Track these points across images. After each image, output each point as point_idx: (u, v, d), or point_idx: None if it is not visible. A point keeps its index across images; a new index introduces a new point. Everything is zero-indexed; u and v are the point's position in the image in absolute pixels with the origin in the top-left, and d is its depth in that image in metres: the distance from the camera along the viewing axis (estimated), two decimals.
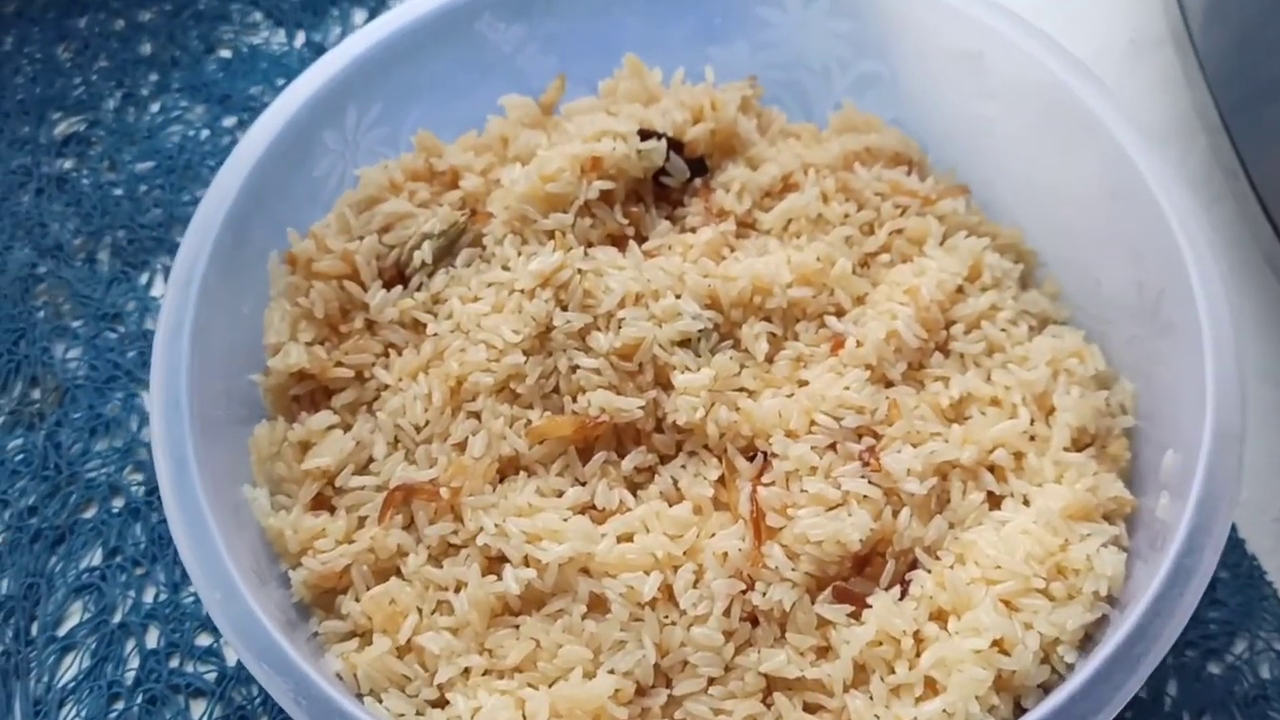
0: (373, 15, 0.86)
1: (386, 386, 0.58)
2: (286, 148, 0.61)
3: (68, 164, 0.80)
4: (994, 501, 0.55)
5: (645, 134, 0.61)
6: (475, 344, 0.57)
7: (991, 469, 0.56)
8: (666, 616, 0.51)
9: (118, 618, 0.63)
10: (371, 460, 0.57)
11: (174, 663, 0.62)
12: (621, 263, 0.59)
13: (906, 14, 0.67)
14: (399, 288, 0.60)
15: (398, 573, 0.54)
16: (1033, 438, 0.56)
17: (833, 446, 0.54)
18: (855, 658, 0.50)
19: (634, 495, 0.55)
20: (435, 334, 0.58)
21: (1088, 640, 0.51)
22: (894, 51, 0.68)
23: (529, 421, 0.56)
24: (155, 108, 0.82)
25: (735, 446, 0.55)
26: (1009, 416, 0.56)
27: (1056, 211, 0.64)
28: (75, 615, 0.63)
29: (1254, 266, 0.72)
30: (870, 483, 0.53)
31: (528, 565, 0.52)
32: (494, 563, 0.54)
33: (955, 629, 0.50)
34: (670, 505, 0.54)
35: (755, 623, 0.52)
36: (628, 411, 0.55)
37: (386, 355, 0.59)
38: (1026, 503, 0.55)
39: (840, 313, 0.59)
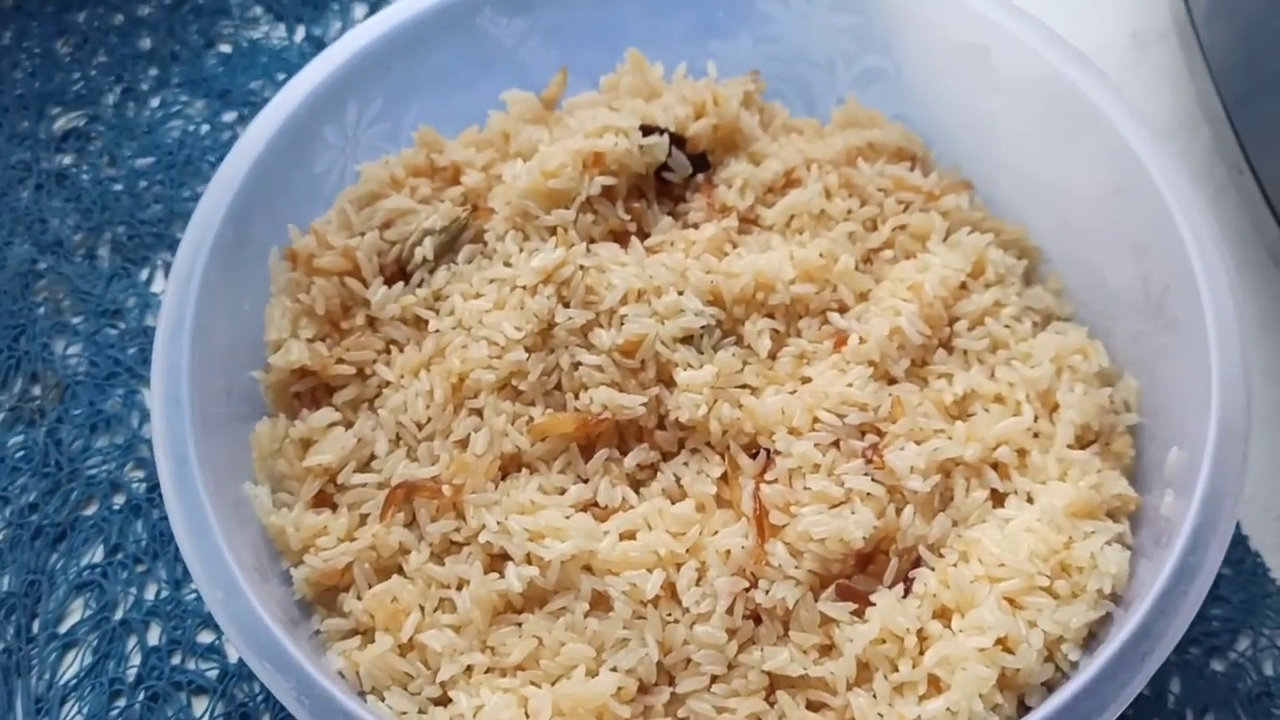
0: (373, 10, 0.85)
1: (388, 383, 0.58)
2: (287, 143, 0.61)
3: (67, 159, 0.79)
4: (997, 499, 0.55)
5: (647, 129, 0.61)
6: (477, 341, 0.56)
7: (995, 466, 0.55)
8: (669, 614, 0.51)
9: (119, 615, 0.63)
10: (373, 457, 0.56)
11: (176, 660, 0.62)
12: (624, 259, 0.58)
13: (910, 8, 0.67)
14: (400, 284, 0.60)
15: (400, 570, 0.54)
16: (1036, 435, 0.56)
17: (836, 444, 0.54)
18: (858, 656, 0.50)
19: (636, 493, 0.55)
20: (437, 331, 0.58)
21: (1092, 638, 0.51)
22: (897, 46, 0.68)
23: (531, 419, 0.56)
24: (155, 103, 0.82)
25: (738, 444, 0.55)
26: (1013, 414, 0.56)
27: (1060, 207, 0.64)
28: (77, 612, 0.63)
29: (1257, 261, 0.72)
30: (873, 480, 0.53)
31: (530, 563, 0.52)
32: (496, 560, 0.54)
33: (959, 627, 0.50)
34: (673, 503, 0.54)
35: (758, 620, 0.52)
36: (630, 408, 0.55)
37: (388, 352, 0.59)
38: (1030, 500, 0.54)
39: (843, 309, 0.59)
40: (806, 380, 0.57)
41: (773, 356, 0.58)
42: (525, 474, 0.55)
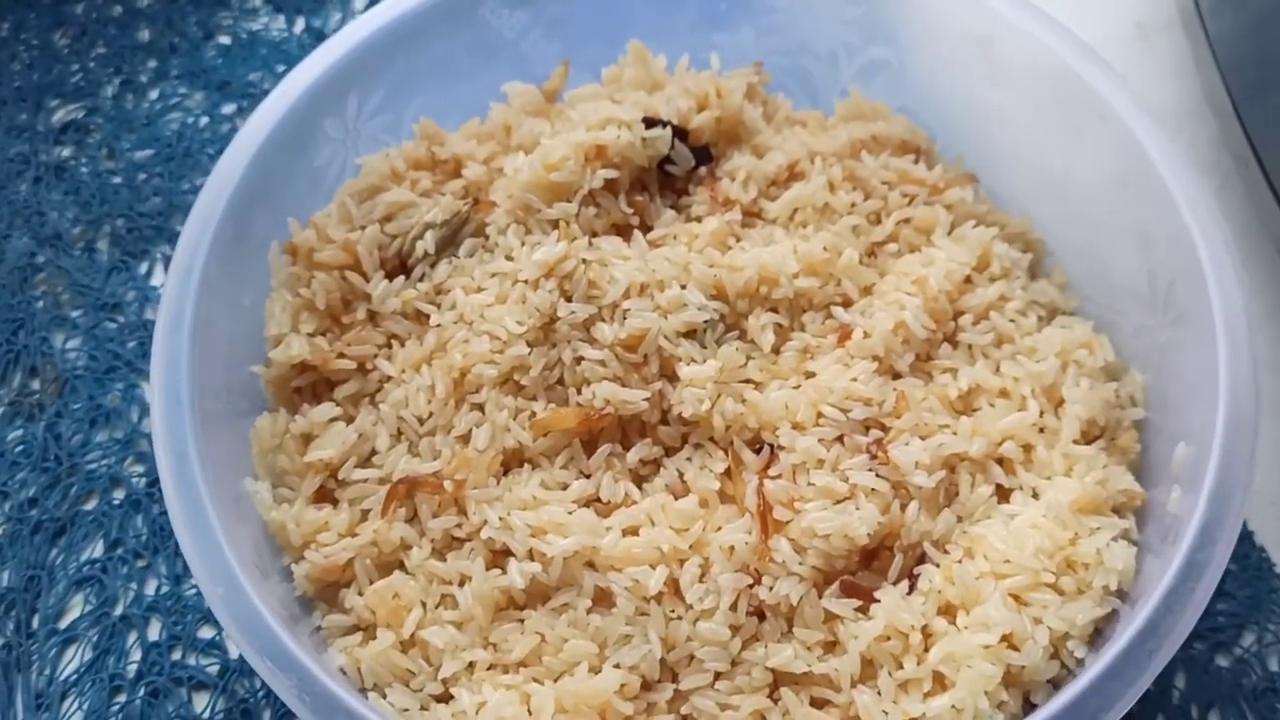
0: (373, 1, 0.85)
1: (389, 378, 0.57)
2: (287, 136, 0.61)
3: (66, 152, 0.79)
4: (1003, 494, 0.55)
5: (650, 122, 0.61)
6: (479, 335, 0.56)
7: (1000, 462, 0.55)
8: (672, 611, 0.51)
9: (119, 610, 0.63)
10: (374, 453, 0.56)
11: (176, 655, 0.61)
12: (626, 253, 0.58)
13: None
14: (401, 278, 0.59)
15: (401, 566, 0.54)
16: (1042, 430, 0.56)
17: (840, 439, 0.54)
18: (863, 653, 0.50)
19: (639, 488, 0.55)
20: (438, 325, 0.57)
21: (1098, 635, 0.51)
22: (902, 37, 0.67)
23: (533, 413, 0.55)
24: (154, 95, 0.81)
25: (741, 439, 0.55)
26: (1018, 409, 0.56)
27: (1066, 199, 0.64)
28: (76, 608, 0.63)
29: (1264, 254, 0.72)
30: (878, 476, 0.53)
31: (532, 559, 0.52)
32: (498, 556, 0.53)
33: (964, 624, 0.50)
34: (676, 498, 0.54)
35: (762, 617, 0.51)
36: (633, 403, 0.55)
37: (389, 346, 0.59)
38: (1035, 496, 0.54)
39: (847, 303, 0.59)
40: (810, 375, 0.56)
41: (776, 351, 0.57)
42: (527, 469, 0.55)
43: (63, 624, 0.63)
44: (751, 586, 0.51)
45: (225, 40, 0.84)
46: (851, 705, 0.50)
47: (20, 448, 0.68)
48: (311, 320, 0.59)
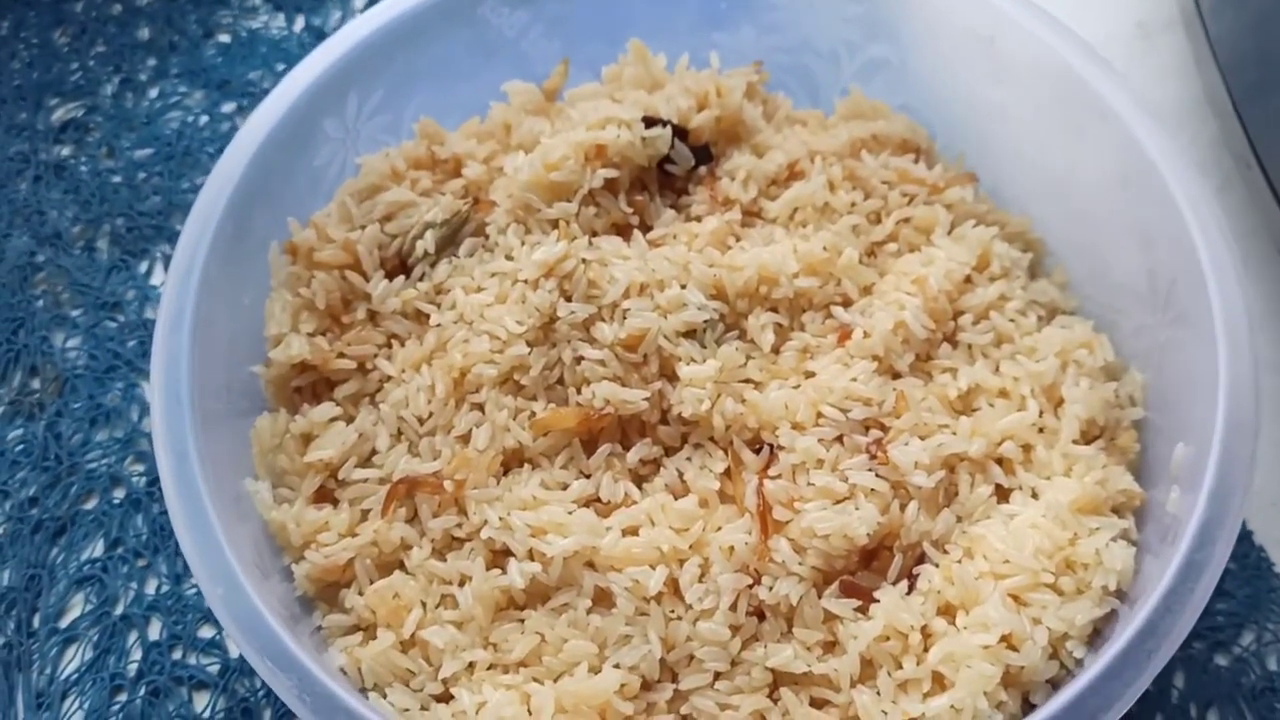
0: (373, 0, 0.85)
1: (389, 378, 0.57)
2: (287, 136, 0.61)
3: (65, 151, 0.79)
4: (1002, 494, 0.55)
5: (650, 121, 0.61)
6: (479, 335, 0.56)
7: (1000, 461, 0.55)
8: (672, 611, 0.51)
9: (120, 609, 0.63)
10: (374, 452, 0.56)
11: (177, 655, 0.62)
12: (626, 252, 0.58)
13: None
14: (401, 278, 0.59)
15: (401, 566, 0.54)
16: (1041, 430, 0.56)
17: (840, 439, 0.54)
18: (862, 653, 0.50)
19: (639, 488, 0.55)
20: (438, 325, 0.57)
21: (1097, 635, 0.51)
22: (903, 36, 0.67)
23: (533, 413, 0.55)
24: (154, 93, 0.81)
25: (741, 439, 0.55)
26: (1017, 408, 0.56)
27: (1067, 198, 0.64)
28: (77, 607, 0.63)
29: (1264, 254, 0.72)
30: (877, 476, 0.53)
31: (532, 559, 0.52)
32: (498, 556, 0.53)
33: (963, 624, 0.50)
34: (676, 498, 0.54)
35: (762, 617, 0.51)
36: (632, 403, 0.55)
37: (389, 346, 0.59)
38: (1035, 496, 0.54)
39: (847, 303, 0.59)
40: (810, 375, 0.56)
41: (776, 351, 0.57)
42: (527, 469, 0.55)
43: (63, 623, 0.63)
44: (751, 586, 0.51)
45: (225, 39, 0.84)
46: (851, 705, 0.50)
47: (20, 447, 0.68)
48: (311, 320, 0.59)
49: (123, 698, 0.61)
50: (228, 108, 0.80)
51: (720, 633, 0.50)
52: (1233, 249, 0.54)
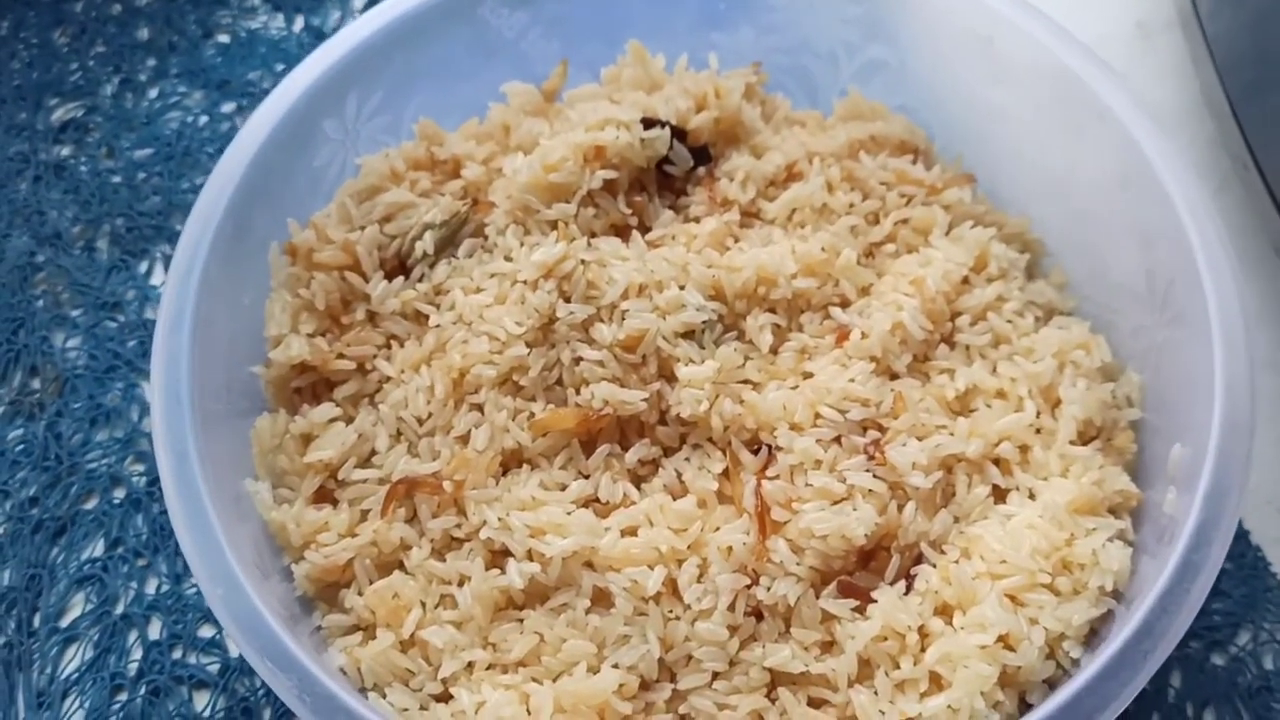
0: (372, 0, 0.85)
1: (388, 378, 0.58)
2: (287, 137, 0.61)
3: (65, 151, 0.79)
4: (999, 495, 0.55)
5: (649, 122, 0.61)
6: (478, 335, 0.56)
7: (997, 462, 0.55)
8: (671, 611, 0.51)
9: (120, 609, 0.63)
10: (374, 453, 0.56)
11: (177, 654, 0.62)
12: (625, 253, 0.58)
13: None
14: (400, 278, 0.59)
15: (401, 566, 0.54)
16: (1038, 431, 0.56)
17: (838, 439, 0.54)
18: (860, 653, 0.50)
19: (638, 489, 0.55)
20: (437, 325, 0.58)
21: (1093, 636, 0.51)
22: (902, 37, 0.68)
23: (532, 414, 0.55)
24: (153, 93, 0.82)
25: (739, 439, 0.55)
26: (1015, 409, 0.56)
27: (1065, 199, 0.64)
28: (77, 606, 0.63)
29: (1261, 254, 0.72)
30: (875, 476, 0.53)
31: (531, 559, 0.52)
32: (497, 556, 0.54)
33: (960, 624, 0.50)
34: (674, 499, 0.54)
35: (760, 617, 0.52)
36: (631, 404, 0.55)
37: (388, 347, 0.59)
38: (1032, 496, 0.54)
39: (845, 304, 0.59)
40: (808, 375, 0.56)
41: (774, 351, 0.58)
42: (526, 470, 0.55)
43: (64, 623, 0.63)
44: (749, 587, 0.51)
45: (224, 39, 0.84)
46: (848, 705, 0.50)
47: (21, 447, 0.68)
48: (311, 321, 0.59)
49: (123, 697, 0.61)
50: (227, 108, 0.81)
51: (718, 633, 0.50)
52: (1229, 250, 0.54)
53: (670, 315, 0.56)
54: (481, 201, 0.61)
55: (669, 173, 0.62)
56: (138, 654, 0.62)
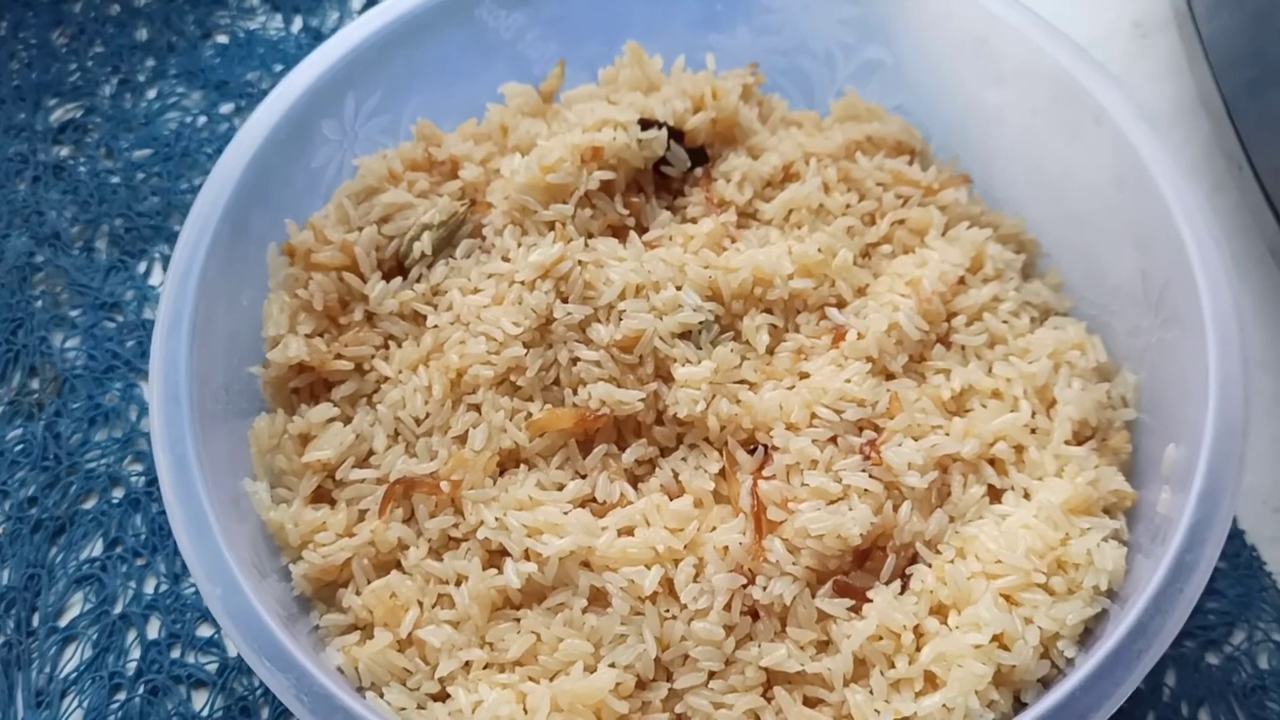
0: (371, 1, 0.85)
1: (386, 379, 0.58)
2: (285, 138, 0.61)
3: (64, 151, 0.79)
4: (994, 495, 0.55)
5: (646, 123, 0.61)
6: (475, 336, 0.56)
7: (992, 462, 0.56)
8: (667, 610, 0.51)
9: (119, 608, 0.63)
10: (372, 453, 0.57)
11: (175, 653, 0.62)
12: (622, 254, 0.58)
13: (911, 0, 0.66)
14: (398, 279, 0.60)
15: (398, 566, 0.54)
16: (1034, 431, 0.56)
17: (833, 440, 0.54)
18: (855, 652, 0.50)
19: (634, 488, 0.55)
20: (435, 326, 0.58)
21: (1087, 635, 0.51)
22: (898, 38, 0.68)
23: (529, 414, 0.56)
24: (152, 94, 0.82)
25: (736, 439, 0.55)
26: (1010, 409, 0.56)
27: (1061, 200, 0.64)
28: (76, 606, 0.63)
29: (1255, 255, 0.72)
30: (871, 476, 0.53)
31: (528, 559, 0.52)
32: (495, 556, 0.54)
33: (955, 624, 0.50)
34: (671, 499, 0.54)
35: (756, 617, 0.52)
36: (628, 404, 0.55)
37: (386, 347, 0.59)
38: (1027, 496, 0.55)
39: (841, 304, 0.59)
40: (804, 376, 0.57)
41: (770, 352, 0.58)
42: (524, 470, 0.55)
43: (62, 622, 0.63)
44: (745, 586, 0.51)
45: (223, 39, 0.84)
46: (844, 704, 0.50)
47: (20, 447, 0.68)
48: (309, 321, 0.59)
49: (122, 696, 0.61)
50: (226, 108, 0.81)
51: (715, 632, 0.51)
52: (1224, 252, 0.55)
53: (667, 316, 0.56)
54: (479, 202, 0.61)
55: (666, 173, 0.62)
56: (136, 653, 0.62)
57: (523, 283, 0.57)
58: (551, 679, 0.51)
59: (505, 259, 0.59)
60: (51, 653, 0.62)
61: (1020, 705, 0.50)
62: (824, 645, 0.52)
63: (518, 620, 0.53)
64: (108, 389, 0.70)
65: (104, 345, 0.71)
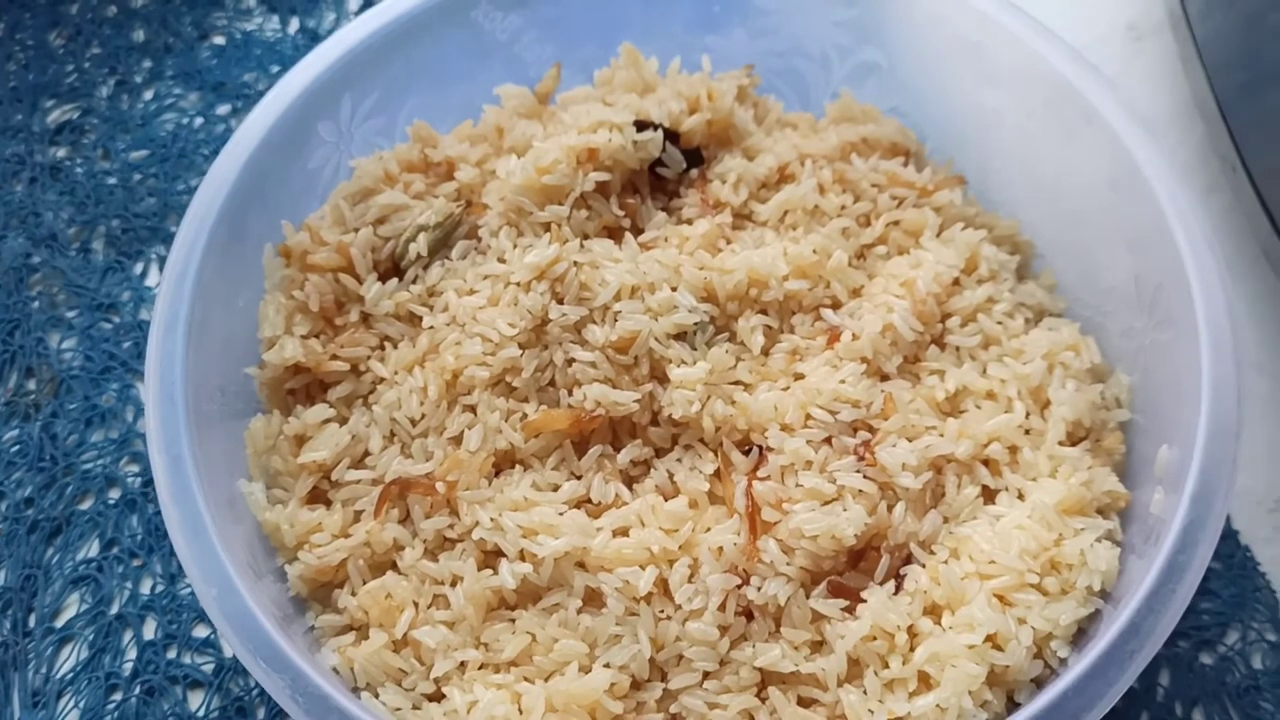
0: (368, 3, 0.85)
1: (382, 380, 0.58)
2: (281, 139, 0.61)
3: (61, 152, 0.79)
4: (988, 496, 0.55)
5: (641, 125, 0.61)
6: (471, 337, 0.56)
7: (986, 463, 0.56)
8: (662, 611, 0.52)
9: (115, 609, 0.63)
10: (367, 454, 0.57)
11: (171, 654, 0.62)
12: (617, 255, 0.58)
13: (906, 2, 0.66)
14: (394, 280, 0.60)
15: (394, 567, 0.55)
16: (1028, 431, 0.56)
17: (828, 440, 0.54)
18: (849, 652, 0.51)
19: (629, 489, 0.55)
20: (431, 327, 0.58)
21: (1081, 635, 0.51)
22: (893, 40, 0.68)
23: (525, 415, 0.56)
24: (149, 95, 0.82)
25: (731, 440, 0.55)
26: (1004, 410, 0.56)
27: (1056, 202, 0.64)
28: (73, 607, 0.64)
29: (1249, 257, 0.72)
30: (865, 477, 0.53)
31: (524, 559, 0.53)
32: (490, 557, 0.54)
33: (949, 624, 0.51)
34: (666, 499, 0.54)
35: (750, 617, 0.52)
36: (623, 405, 0.55)
37: (382, 348, 0.59)
38: (1021, 497, 0.55)
39: (836, 305, 0.59)
40: (799, 377, 0.57)
41: (765, 353, 0.58)
42: (519, 470, 0.55)
43: (59, 623, 0.63)
44: (740, 587, 0.51)
45: (220, 41, 0.84)
46: (838, 704, 0.50)
47: (16, 448, 0.68)
48: (305, 322, 0.59)
49: (118, 696, 0.61)
50: (222, 110, 0.81)
51: (709, 633, 0.51)
52: (1217, 253, 0.55)
53: (662, 317, 0.56)
54: (475, 203, 0.61)
55: (661, 175, 0.63)
56: (132, 654, 0.62)
57: (518, 284, 0.57)
58: (546, 679, 0.51)
59: (501, 260, 0.59)
60: (48, 653, 0.62)
61: (1014, 705, 0.50)
62: (818, 645, 0.52)
63: (513, 621, 0.53)
64: (104, 390, 0.70)
65: (100, 346, 0.71)
